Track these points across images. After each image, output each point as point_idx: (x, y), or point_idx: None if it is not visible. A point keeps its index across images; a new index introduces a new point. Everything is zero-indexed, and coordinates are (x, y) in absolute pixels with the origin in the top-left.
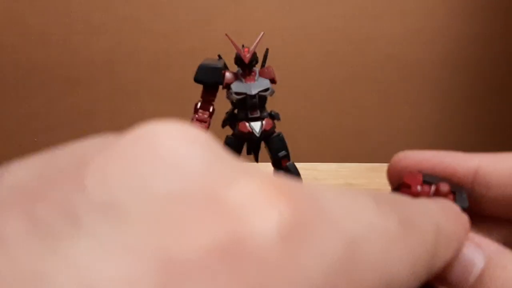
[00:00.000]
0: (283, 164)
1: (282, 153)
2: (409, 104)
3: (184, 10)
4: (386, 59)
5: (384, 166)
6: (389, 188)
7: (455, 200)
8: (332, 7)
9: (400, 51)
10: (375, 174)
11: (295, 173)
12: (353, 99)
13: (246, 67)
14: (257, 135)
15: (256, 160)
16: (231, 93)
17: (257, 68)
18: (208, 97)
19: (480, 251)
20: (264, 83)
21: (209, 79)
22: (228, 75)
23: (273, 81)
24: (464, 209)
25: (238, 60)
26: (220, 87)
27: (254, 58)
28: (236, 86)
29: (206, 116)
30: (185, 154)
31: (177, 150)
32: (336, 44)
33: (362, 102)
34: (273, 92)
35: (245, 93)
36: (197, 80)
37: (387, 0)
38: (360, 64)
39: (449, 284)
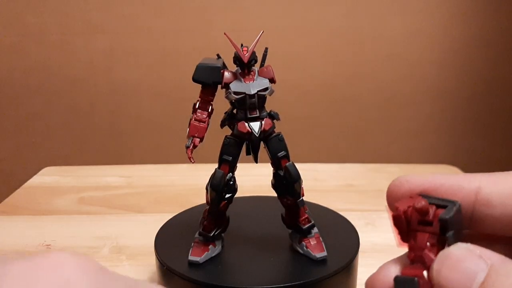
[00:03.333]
0: (283, 164)
1: (282, 153)
2: (409, 104)
3: (183, 10)
4: (386, 59)
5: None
6: None
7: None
8: (332, 6)
9: (400, 51)
10: (375, 175)
11: (294, 173)
12: (353, 99)
13: (245, 67)
14: (256, 135)
15: (256, 161)
16: (230, 93)
17: (256, 67)
18: (206, 96)
19: (482, 261)
20: (263, 82)
21: (208, 78)
22: (226, 74)
23: (272, 80)
24: (446, 219)
25: (237, 59)
26: (219, 86)
27: (253, 57)
28: (235, 86)
29: (204, 116)
30: (78, 277)
31: (73, 273)
32: (336, 44)
33: (362, 102)
34: (272, 91)
35: (244, 93)
36: (195, 79)
37: (387, 0)
38: (360, 64)
39: None
